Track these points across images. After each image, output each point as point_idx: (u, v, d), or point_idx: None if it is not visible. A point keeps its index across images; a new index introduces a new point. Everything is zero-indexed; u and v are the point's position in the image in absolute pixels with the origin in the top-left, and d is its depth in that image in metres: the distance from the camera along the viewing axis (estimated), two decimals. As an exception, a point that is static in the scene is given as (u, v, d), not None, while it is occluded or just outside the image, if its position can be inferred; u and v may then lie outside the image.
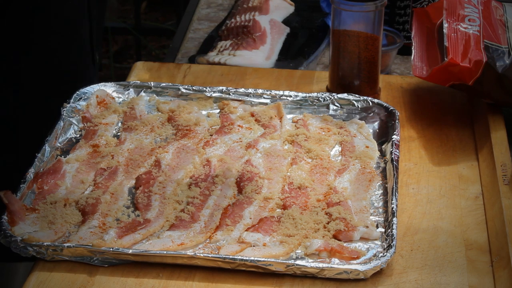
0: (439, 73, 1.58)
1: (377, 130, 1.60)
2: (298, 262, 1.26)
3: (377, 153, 1.53)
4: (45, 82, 1.67)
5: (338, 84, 1.70)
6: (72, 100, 1.63)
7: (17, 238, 1.29)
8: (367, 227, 1.33)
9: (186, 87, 1.69)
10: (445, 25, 1.61)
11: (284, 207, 1.40)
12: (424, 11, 1.73)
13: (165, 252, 1.28)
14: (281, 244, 1.31)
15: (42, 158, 1.48)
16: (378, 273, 1.27)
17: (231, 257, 1.26)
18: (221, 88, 1.68)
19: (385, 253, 1.28)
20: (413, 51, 1.66)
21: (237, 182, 1.46)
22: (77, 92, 1.65)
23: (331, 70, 1.70)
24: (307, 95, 1.66)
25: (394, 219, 1.33)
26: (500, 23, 1.66)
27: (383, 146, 1.54)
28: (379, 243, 1.32)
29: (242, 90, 1.67)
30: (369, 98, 1.64)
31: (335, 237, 1.33)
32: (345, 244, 1.32)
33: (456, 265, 1.30)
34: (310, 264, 1.26)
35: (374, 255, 1.30)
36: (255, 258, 1.26)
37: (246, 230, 1.34)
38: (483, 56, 1.54)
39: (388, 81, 1.78)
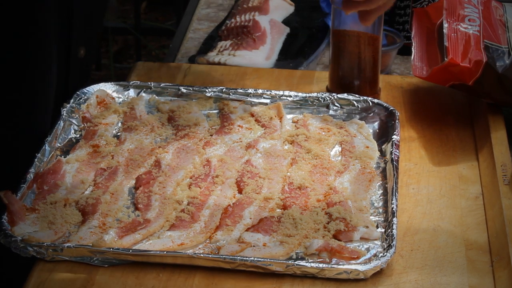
0: (439, 73, 1.58)
1: (377, 130, 1.60)
2: (298, 262, 1.26)
3: (377, 153, 1.53)
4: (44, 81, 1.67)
5: (338, 84, 1.70)
6: (72, 100, 1.63)
7: (17, 238, 1.29)
8: (367, 227, 1.33)
9: (186, 87, 1.69)
10: (445, 25, 1.61)
11: (284, 207, 1.40)
12: (424, 11, 1.73)
13: (165, 252, 1.28)
14: (281, 244, 1.31)
15: (42, 158, 1.48)
16: (378, 273, 1.27)
17: (231, 257, 1.26)
18: (221, 88, 1.68)
19: (385, 253, 1.28)
20: (413, 51, 1.66)
21: (237, 182, 1.46)
22: (77, 92, 1.65)
23: (331, 70, 1.70)
24: (307, 95, 1.66)
25: (394, 219, 1.33)
26: (500, 23, 1.66)
27: (383, 146, 1.54)
28: (379, 243, 1.32)
29: (242, 90, 1.67)
30: (369, 98, 1.64)
31: (335, 237, 1.33)
32: (345, 244, 1.32)
33: (456, 265, 1.30)
34: (310, 264, 1.26)
35: (374, 255, 1.30)
36: (255, 258, 1.26)
37: (246, 230, 1.34)
38: (483, 56, 1.54)
39: (388, 81, 1.78)
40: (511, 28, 1.65)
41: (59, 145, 1.54)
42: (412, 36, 1.70)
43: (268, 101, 1.66)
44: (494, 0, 1.72)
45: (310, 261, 1.28)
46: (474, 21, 1.62)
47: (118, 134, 1.60)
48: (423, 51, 1.68)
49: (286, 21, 2.07)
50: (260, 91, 1.67)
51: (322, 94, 1.65)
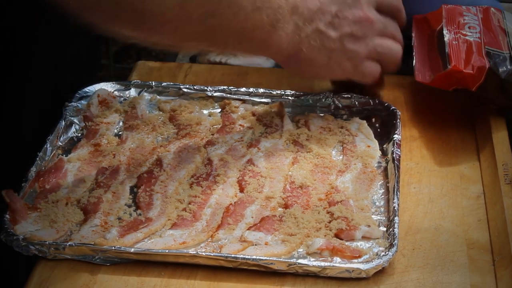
0: (442, 79, 1.57)
1: (379, 130, 1.60)
2: (300, 261, 1.26)
3: (379, 153, 1.53)
4: (47, 81, 1.67)
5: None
6: (73, 99, 1.63)
7: (19, 237, 1.29)
8: (369, 226, 1.33)
9: (187, 86, 1.69)
10: (446, 32, 1.61)
11: (286, 206, 1.40)
12: (423, 18, 1.73)
13: (167, 251, 1.28)
14: (283, 243, 1.31)
15: (43, 157, 1.48)
16: (380, 272, 1.28)
17: (233, 255, 1.26)
18: (222, 87, 1.68)
19: (387, 252, 1.28)
20: (414, 58, 1.66)
21: (239, 181, 1.46)
22: (79, 91, 1.65)
23: (333, 69, 1.70)
24: (309, 94, 1.66)
25: (396, 218, 1.33)
26: (500, 29, 1.65)
27: (384, 146, 1.54)
28: (381, 241, 1.32)
29: (243, 89, 1.67)
30: (370, 97, 1.64)
31: (337, 236, 1.33)
32: (346, 243, 1.32)
33: (458, 264, 1.30)
34: (312, 263, 1.26)
35: (376, 254, 1.30)
36: (257, 257, 1.26)
37: (248, 229, 1.34)
38: (486, 62, 1.54)
39: (389, 81, 1.78)
40: (511, 34, 1.65)
41: (60, 144, 1.54)
42: (412, 43, 1.69)
43: (269, 100, 1.67)
44: (493, 7, 1.72)
45: (312, 260, 1.28)
46: (474, 28, 1.62)
47: (120, 133, 1.60)
48: (424, 57, 1.67)
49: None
50: (261, 90, 1.67)
51: (323, 94, 1.65)
